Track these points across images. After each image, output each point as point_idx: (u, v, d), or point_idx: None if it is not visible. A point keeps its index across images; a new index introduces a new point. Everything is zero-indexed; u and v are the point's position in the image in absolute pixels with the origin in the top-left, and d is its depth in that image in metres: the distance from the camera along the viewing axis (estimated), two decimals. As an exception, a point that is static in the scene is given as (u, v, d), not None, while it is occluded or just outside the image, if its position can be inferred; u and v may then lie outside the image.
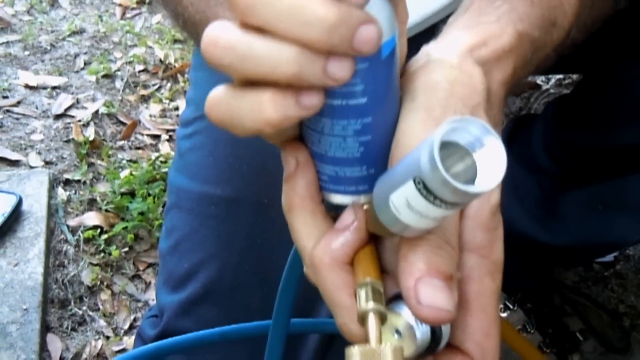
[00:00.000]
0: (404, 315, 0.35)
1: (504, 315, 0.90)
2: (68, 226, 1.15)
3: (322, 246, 0.37)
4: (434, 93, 0.37)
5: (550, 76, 1.29)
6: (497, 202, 0.37)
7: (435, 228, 0.34)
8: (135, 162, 1.28)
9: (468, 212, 0.36)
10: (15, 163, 1.25)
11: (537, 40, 0.45)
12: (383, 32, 0.34)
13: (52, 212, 1.16)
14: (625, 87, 0.65)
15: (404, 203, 0.32)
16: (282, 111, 0.31)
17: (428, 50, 0.41)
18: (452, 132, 0.31)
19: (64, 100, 1.38)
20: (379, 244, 0.38)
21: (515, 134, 0.86)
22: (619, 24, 0.60)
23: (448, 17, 0.49)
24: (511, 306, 0.90)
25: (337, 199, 0.39)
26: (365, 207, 0.37)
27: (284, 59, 0.30)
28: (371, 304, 0.34)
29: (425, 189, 0.30)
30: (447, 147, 0.31)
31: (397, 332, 0.36)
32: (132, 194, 1.20)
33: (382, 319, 0.35)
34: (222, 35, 0.30)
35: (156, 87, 1.44)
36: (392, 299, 0.36)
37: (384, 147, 0.37)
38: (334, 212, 0.39)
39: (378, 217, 0.35)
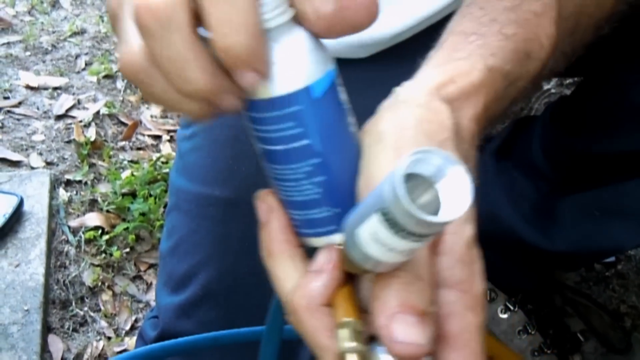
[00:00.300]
0: (383, 354, 0.35)
1: (504, 316, 0.90)
2: (69, 227, 1.15)
3: (299, 290, 0.37)
4: (402, 132, 0.37)
5: (551, 76, 1.29)
6: (472, 236, 0.37)
7: (406, 264, 0.34)
8: (136, 162, 1.28)
9: (443, 249, 0.36)
10: (16, 164, 1.25)
11: (511, 74, 0.45)
12: (308, 73, 0.35)
13: (53, 212, 1.16)
14: (622, 93, 0.65)
15: (370, 237, 0.32)
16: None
17: (397, 91, 0.41)
18: (415, 163, 0.30)
19: (65, 101, 1.38)
20: (356, 283, 0.38)
21: (514, 137, 0.86)
22: (615, 30, 0.60)
23: (450, 15, 0.49)
24: (512, 307, 0.90)
25: (312, 242, 0.39)
26: (338, 246, 0.37)
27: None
28: (350, 344, 0.35)
29: (390, 221, 0.30)
30: (413, 179, 0.31)
31: None
32: (133, 195, 1.20)
33: (363, 359, 0.35)
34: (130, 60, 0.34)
35: (157, 87, 1.44)
36: (373, 337, 0.36)
37: (345, 184, 0.38)
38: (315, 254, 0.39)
39: (348, 255, 0.35)
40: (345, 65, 0.79)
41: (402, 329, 0.32)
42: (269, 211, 0.39)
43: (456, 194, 0.31)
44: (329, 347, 0.36)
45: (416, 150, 0.30)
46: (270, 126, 0.36)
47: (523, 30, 0.46)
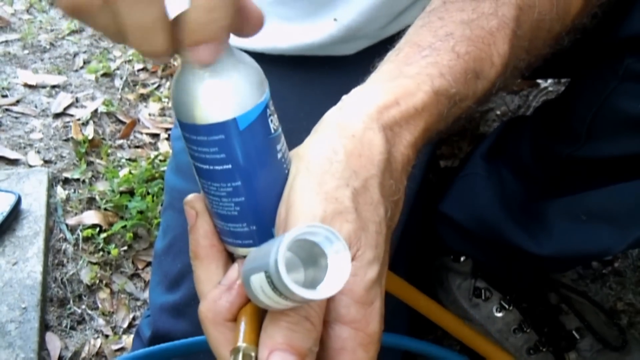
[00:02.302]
0: None
1: (499, 315, 0.90)
2: (67, 225, 1.16)
3: (207, 303, 0.39)
4: (330, 165, 0.39)
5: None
6: (373, 278, 0.38)
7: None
8: (134, 160, 1.28)
9: (342, 289, 0.37)
10: (14, 162, 1.25)
11: (456, 95, 0.46)
12: (235, 107, 0.37)
13: (51, 210, 1.16)
14: (603, 98, 0.65)
15: (259, 288, 0.34)
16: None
17: (342, 105, 0.43)
18: (306, 235, 0.33)
19: (63, 99, 1.38)
20: None
21: (505, 138, 0.86)
22: (597, 38, 0.60)
23: None
24: (507, 306, 0.90)
25: (230, 249, 0.42)
26: None
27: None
28: None
29: (271, 283, 0.33)
30: (307, 245, 0.34)
31: None
32: (131, 193, 1.20)
33: None
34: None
35: (155, 85, 1.44)
36: None
37: (263, 207, 0.40)
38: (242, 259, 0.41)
39: (246, 292, 0.37)
40: (332, 62, 0.79)
41: None
42: (196, 217, 0.41)
43: (338, 268, 0.33)
44: None
45: (308, 224, 0.33)
46: (199, 147, 0.38)
47: (475, 49, 0.47)
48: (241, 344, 0.37)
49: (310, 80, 0.74)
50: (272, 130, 0.39)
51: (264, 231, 0.40)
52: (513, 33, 0.49)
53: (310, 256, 0.34)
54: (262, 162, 0.39)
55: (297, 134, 0.72)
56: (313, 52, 0.72)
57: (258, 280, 0.34)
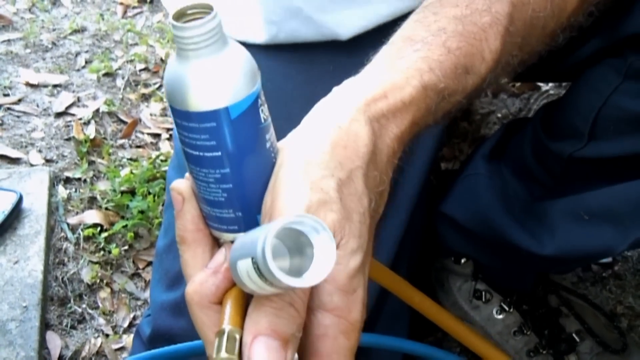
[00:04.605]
0: None
1: (500, 317, 0.90)
2: (68, 224, 1.16)
3: (194, 285, 0.40)
4: (315, 156, 0.40)
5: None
6: (356, 267, 0.39)
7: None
8: (135, 160, 1.28)
9: (325, 277, 0.38)
10: (15, 161, 1.25)
11: (445, 90, 0.47)
12: (231, 93, 0.38)
13: (52, 210, 1.16)
14: (603, 98, 0.65)
15: (245, 274, 0.35)
16: None
17: (331, 97, 0.44)
18: (293, 224, 0.34)
19: (64, 99, 1.38)
20: None
21: (507, 139, 0.86)
22: (599, 36, 0.60)
23: None
24: (507, 308, 0.90)
25: (216, 234, 0.43)
26: None
27: None
28: (223, 354, 0.37)
29: (257, 270, 0.33)
30: (294, 234, 0.35)
31: None
32: (132, 193, 1.20)
33: None
34: None
35: (157, 85, 1.45)
36: None
37: (250, 195, 0.41)
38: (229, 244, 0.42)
39: (233, 277, 0.38)
40: (326, 47, 0.79)
41: (262, 350, 0.35)
42: (183, 202, 0.42)
43: (324, 257, 0.34)
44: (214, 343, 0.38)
45: (295, 214, 0.34)
46: (189, 133, 0.39)
47: (466, 44, 0.48)
48: (226, 325, 0.38)
49: (311, 75, 0.74)
50: (262, 120, 0.40)
51: (250, 218, 0.41)
52: (505, 29, 0.49)
53: (296, 245, 0.35)
54: (251, 150, 0.40)
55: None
56: (308, 35, 0.72)
57: (245, 266, 0.35)
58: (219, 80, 0.37)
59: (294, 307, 0.37)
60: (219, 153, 0.39)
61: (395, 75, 0.45)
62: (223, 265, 0.40)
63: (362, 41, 0.73)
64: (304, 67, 0.74)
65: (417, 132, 0.47)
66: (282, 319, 0.36)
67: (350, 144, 0.41)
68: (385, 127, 0.43)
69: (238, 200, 0.41)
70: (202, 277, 0.40)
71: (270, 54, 0.74)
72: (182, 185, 0.42)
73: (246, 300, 0.39)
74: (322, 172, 0.39)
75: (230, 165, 0.39)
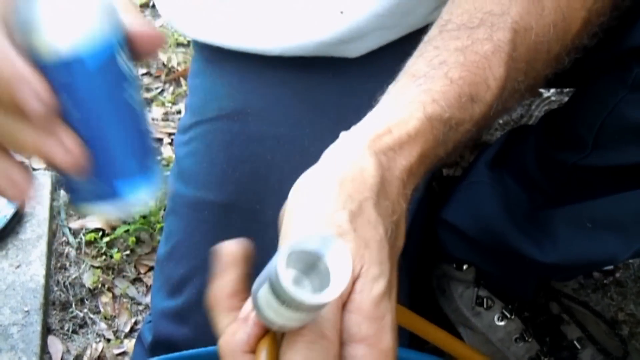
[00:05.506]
0: None
1: (501, 323, 0.90)
2: (70, 229, 1.16)
3: (226, 336, 0.39)
4: (326, 192, 0.40)
5: (552, 82, 1.28)
6: (380, 293, 0.39)
7: (312, 322, 0.35)
8: (137, 165, 1.28)
9: (350, 306, 0.38)
10: (18, 165, 1.25)
11: (452, 119, 0.47)
12: (84, 36, 0.34)
13: (54, 214, 1.16)
14: (608, 108, 0.65)
15: (266, 303, 0.34)
16: None
17: (339, 141, 0.45)
18: (304, 243, 0.33)
19: (67, 103, 1.38)
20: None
21: (509, 146, 0.86)
22: (604, 48, 0.60)
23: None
24: (508, 315, 0.90)
25: (85, 208, 0.42)
26: None
27: None
28: None
29: (275, 293, 0.33)
30: (307, 257, 0.34)
31: None
32: (134, 197, 1.20)
33: None
34: None
35: (159, 90, 1.45)
36: None
37: (115, 156, 0.39)
38: None
39: (257, 316, 0.37)
40: (335, 67, 0.79)
41: None
42: (227, 265, 0.41)
43: (340, 270, 0.33)
44: None
45: (303, 235, 0.34)
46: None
47: (469, 73, 0.48)
48: None
49: (313, 86, 0.74)
50: (125, 72, 0.37)
51: (111, 186, 0.39)
52: (509, 56, 0.49)
53: (312, 268, 0.34)
54: (112, 105, 0.37)
55: (299, 140, 0.72)
56: (317, 53, 0.71)
57: (264, 295, 0.34)
58: (67, 23, 0.34)
59: (327, 338, 0.36)
60: (75, 111, 0.36)
61: (399, 111, 0.45)
62: (252, 312, 0.39)
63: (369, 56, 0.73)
64: (303, 75, 0.74)
65: (428, 164, 0.47)
66: (316, 352, 0.35)
67: (357, 177, 0.41)
68: (393, 160, 0.44)
69: (99, 166, 0.38)
70: (233, 327, 0.39)
71: (276, 64, 0.73)
72: (232, 246, 0.42)
73: (279, 345, 0.38)
74: (333, 207, 0.39)
75: (86, 123, 0.37)
